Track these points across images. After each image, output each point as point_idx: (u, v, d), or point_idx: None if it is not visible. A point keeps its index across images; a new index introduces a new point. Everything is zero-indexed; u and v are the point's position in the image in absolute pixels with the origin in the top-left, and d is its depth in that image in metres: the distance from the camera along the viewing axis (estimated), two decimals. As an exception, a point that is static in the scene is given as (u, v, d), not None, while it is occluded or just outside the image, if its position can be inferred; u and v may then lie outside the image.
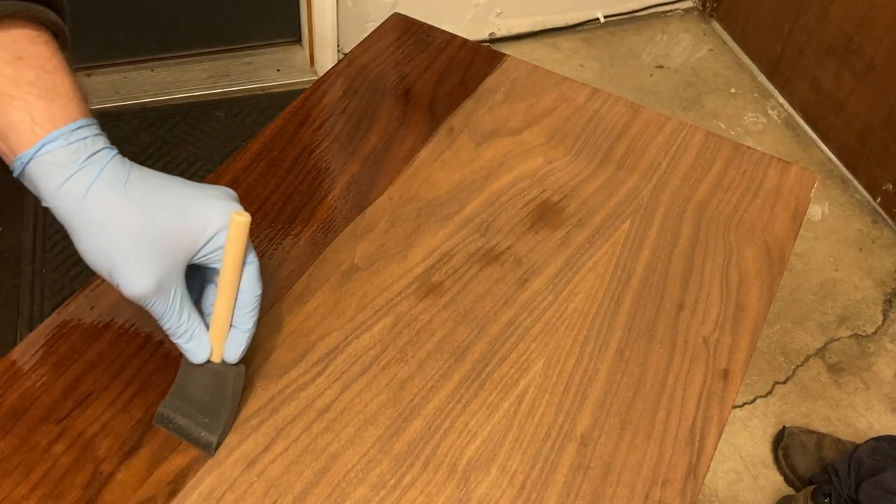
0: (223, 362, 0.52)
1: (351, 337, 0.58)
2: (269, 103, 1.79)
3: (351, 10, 1.80)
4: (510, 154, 0.73)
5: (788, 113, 1.93)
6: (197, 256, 0.49)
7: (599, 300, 0.62)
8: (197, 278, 0.52)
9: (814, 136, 1.87)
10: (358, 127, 0.74)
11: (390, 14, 0.86)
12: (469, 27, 1.97)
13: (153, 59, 1.82)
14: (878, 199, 1.73)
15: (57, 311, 0.58)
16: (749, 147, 0.76)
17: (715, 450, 0.54)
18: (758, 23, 1.99)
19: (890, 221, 1.71)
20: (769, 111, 1.94)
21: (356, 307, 0.60)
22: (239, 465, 0.51)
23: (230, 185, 0.67)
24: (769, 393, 1.44)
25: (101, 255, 0.46)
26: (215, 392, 0.52)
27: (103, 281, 0.60)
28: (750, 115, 1.93)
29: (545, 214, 0.68)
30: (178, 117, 1.74)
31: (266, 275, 0.61)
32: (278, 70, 1.86)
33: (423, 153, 0.72)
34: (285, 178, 0.69)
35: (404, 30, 0.84)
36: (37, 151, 0.44)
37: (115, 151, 0.47)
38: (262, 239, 0.64)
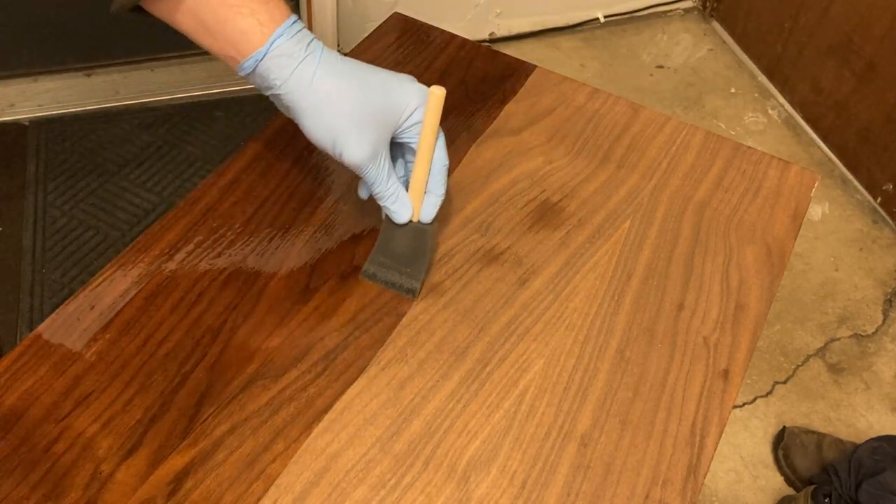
0: (419, 222, 0.61)
1: (351, 337, 0.58)
2: (269, 103, 1.79)
3: (351, 10, 1.80)
4: (510, 154, 0.73)
5: (788, 113, 1.93)
6: (399, 130, 0.57)
7: (599, 300, 0.62)
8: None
9: (814, 136, 1.87)
10: (358, 127, 0.73)
11: (390, 14, 0.86)
12: (469, 27, 1.97)
13: (153, 59, 1.82)
14: (878, 199, 1.73)
15: (57, 311, 0.58)
16: (749, 147, 0.76)
17: (715, 450, 0.54)
18: (758, 23, 1.99)
19: (890, 221, 1.71)
20: (769, 111, 1.94)
21: (356, 307, 0.60)
22: (239, 465, 0.51)
23: (230, 185, 0.67)
24: (769, 393, 1.44)
25: (325, 130, 0.55)
26: (415, 246, 0.61)
27: (103, 281, 0.60)
28: (750, 115, 1.93)
29: (545, 214, 0.68)
30: (178, 117, 1.74)
31: (266, 275, 0.61)
32: (278, 70, 1.85)
33: (423, 153, 0.72)
34: (285, 178, 0.68)
35: (404, 30, 0.84)
36: (269, 48, 0.52)
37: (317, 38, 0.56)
38: (262, 239, 0.64)
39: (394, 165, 0.60)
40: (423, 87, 0.58)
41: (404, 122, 0.57)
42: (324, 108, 0.54)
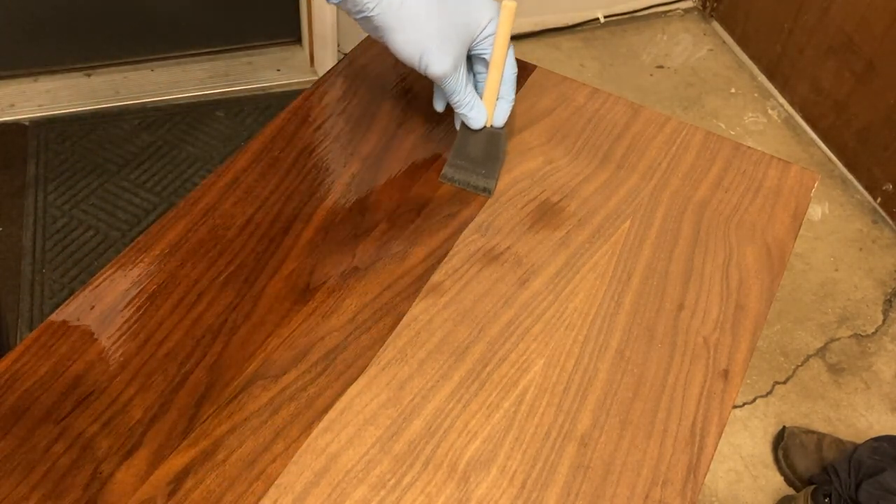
0: (492, 127, 0.67)
1: (351, 337, 0.58)
2: (269, 103, 1.80)
3: (351, 10, 1.80)
4: (510, 154, 0.73)
5: (788, 113, 1.93)
6: (474, 42, 0.63)
7: (599, 300, 0.62)
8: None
9: (814, 136, 1.87)
10: (358, 127, 0.74)
11: (390, 14, 0.86)
12: (469, 27, 1.97)
13: (153, 59, 1.83)
14: (878, 199, 1.73)
15: (57, 311, 0.58)
16: (749, 147, 0.76)
17: (715, 450, 0.54)
18: (758, 23, 1.99)
19: (890, 221, 1.71)
20: (769, 111, 1.94)
21: (356, 307, 0.60)
22: (239, 465, 0.51)
23: (230, 185, 0.67)
24: (769, 393, 1.44)
25: (413, 46, 0.60)
26: (489, 149, 0.68)
27: (103, 281, 0.60)
28: (750, 115, 1.93)
29: (545, 214, 0.68)
30: (178, 117, 1.74)
31: (266, 275, 0.61)
32: (278, 70, 1.86)
33: (423, 153, 0.72)
34: (285, 178, 0.69)
35: (404, 30, 0.84)
36: None
37: None
38: (261, 239, 0.64)
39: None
40: (495, 1, 0.63)
41: (479, 34, 0.63)
42: (411, 26, 0.59)
